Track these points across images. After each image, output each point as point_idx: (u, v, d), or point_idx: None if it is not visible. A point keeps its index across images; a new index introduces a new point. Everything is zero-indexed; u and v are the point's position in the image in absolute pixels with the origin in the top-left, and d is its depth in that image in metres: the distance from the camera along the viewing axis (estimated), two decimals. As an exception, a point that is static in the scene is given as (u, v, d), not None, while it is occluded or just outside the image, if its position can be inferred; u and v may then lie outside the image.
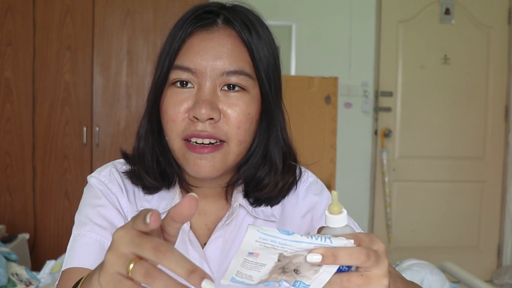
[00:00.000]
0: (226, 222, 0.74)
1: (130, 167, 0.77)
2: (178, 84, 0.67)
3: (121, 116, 2.60)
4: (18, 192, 2.54)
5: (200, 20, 0.68)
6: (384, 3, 3.23)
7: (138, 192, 0.77)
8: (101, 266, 0.46)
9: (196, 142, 0.67)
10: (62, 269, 0.69)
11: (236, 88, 0.68)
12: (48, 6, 2.50)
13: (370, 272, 0.48)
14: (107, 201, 0.74)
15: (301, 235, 0.46)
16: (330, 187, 2.39)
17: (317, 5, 3.23)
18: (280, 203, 0.79)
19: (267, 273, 0.49)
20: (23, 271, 1.89)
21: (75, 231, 0.72)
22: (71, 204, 2.55)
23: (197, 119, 0.65)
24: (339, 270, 0.48)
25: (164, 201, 0.75)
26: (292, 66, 3.21)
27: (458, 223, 3.37)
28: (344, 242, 0.47)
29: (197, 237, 0.74)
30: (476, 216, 3.38)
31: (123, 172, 0.77)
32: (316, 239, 0.47)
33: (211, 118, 0.66)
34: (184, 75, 0.66)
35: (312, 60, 3.21)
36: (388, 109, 3.27)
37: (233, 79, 0.66)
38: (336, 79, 2.48)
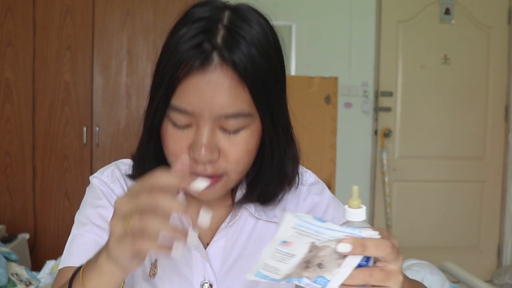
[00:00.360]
0: (229, 224, 0.75)
1: (134, 169, 0.75)
2: (177, 123, 0.65)
3: (121, 116, 2.60)
4: (18, 192, 2.54)
5: (196, 57, 0.61)
6: (384, 3, 3.23)
7: None
8: (107, 241, 0.51)
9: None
10: (59, 268, 0.70)
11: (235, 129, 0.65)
12: (48, 6, 2.49)
13: (389, 267, 0.49)
14: (108, 202, 0.74)
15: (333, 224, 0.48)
16: (330, 187, 2.39)
17: (317, 5, 3.23)
18: (281, 204, 0.79)
19: (294, 266, 0.49)
20: (23, 271, 1.89)
21: (74, 230, 0.72)
22: (71, 204, 2.55)
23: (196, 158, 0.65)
24: (358, 265, 0.49)
25: None
26: (292, 66, 3.21)
27: (458, 223, 3.37)
28: (371, 233, 0.48)
29: (199, 237, 0.74)
30: (476, 216, 3.38)
31: (126, 175, 0.77)
32: (346, 228, 0.48)
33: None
34: (182, 118, 0.63)
35: (312, 60, 3.21)
36: (388, 109, 3.27)
37: (231, 122, 0.63)
38: (336, 79, 2.48)
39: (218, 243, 0.75)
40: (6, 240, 2.21)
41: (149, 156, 0.71)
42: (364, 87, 3.28)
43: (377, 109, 3.27)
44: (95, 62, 2.56)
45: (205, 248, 0.75)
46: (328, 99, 2.39)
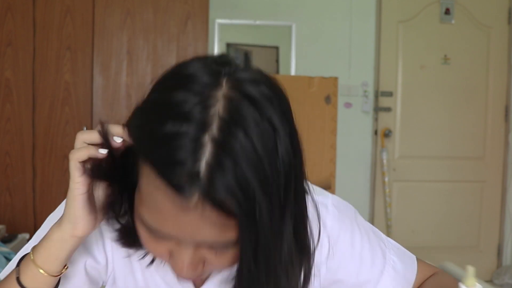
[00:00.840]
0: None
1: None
2: (153, 235, 0.52)
3: (121, 116, 2.60)
4: (18, 192, 2.54)
5: (172, 184, 0.45)
6: (384, 3, 3.23)
7: None
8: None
9: None
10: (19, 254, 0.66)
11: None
12: (48, 6, 2.49)
13: None
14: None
15: None
16: (330, 187, 2.39)
17: (317, 5, 3.23)
18: None
19: None
20: (23, 271, 1.89)
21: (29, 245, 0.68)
22: (71, 204, 2.54)
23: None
24: None
25: None
26: (292, 66, 3.21)
27: (458, 223, 3.36)
28: None
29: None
30: (476, 216, 3.38)
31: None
32: None
33: None
34: (157, 234, 0.51)
35: (312, 60, 3.21)
36: (388, 109, 3.27)
37: (219, 250, 0.52)
38: (336, 79, 2.47)
39: (212, 281, 0.67)
40: (6, 240, 2.21)
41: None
42: (364, 87, 3.28)
43: (377, 109, 3.27)
44: (95, 62, 2.56)
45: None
46: (328, 99, 2.39)
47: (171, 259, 0.53)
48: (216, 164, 0.44)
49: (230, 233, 0.48)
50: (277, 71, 3.24)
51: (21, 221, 2.52)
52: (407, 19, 3.26)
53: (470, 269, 0.53)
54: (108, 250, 0.68)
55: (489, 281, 3.29)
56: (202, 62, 0.51)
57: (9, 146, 2.52)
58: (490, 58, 3.33)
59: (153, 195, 0.48)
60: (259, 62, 3.28)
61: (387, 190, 3.25)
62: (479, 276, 1.84)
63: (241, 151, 0.44)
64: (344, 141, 3.04)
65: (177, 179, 0.44)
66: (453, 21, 3.29)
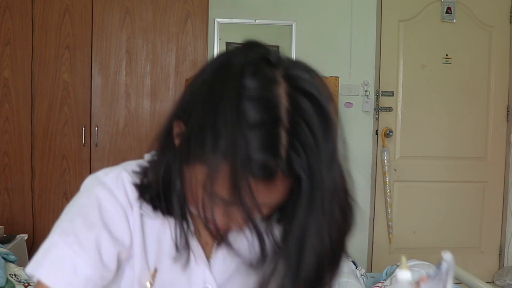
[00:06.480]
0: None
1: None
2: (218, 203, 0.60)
3: (120, 115, 2.58)
4: (16, 192, 2.53)
5: (259, 171, 0.55)
6: (385, 2, 3.21)
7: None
8: None
9: None
10: (34, 274, 0.64)
11: None
12: (46, 5, 2.48)
13: None
14: (102, 225, 0.67)
15: None
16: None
17: (317, 4, 3.21)
18: None
19: None
20: (21, 272, 1.88)
21: (56, 236, 0.66)
22: (70, 205, 2.54)
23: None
24: None
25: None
26: (293, 65, 3.19)
27: (460, 223, 3.35)
28: None
29: (201, 246, 0.72)
30: (478, 216, 3.37)
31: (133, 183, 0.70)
32: None
33: None
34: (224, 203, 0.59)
35: (312, 59, 3.13)
36: (389, 109, 3.26)
37: (266, 211, 0.61)
38: (336, 78, 2.46)
39: (220, 252, 0.73)
40: (4, 241, 2.20)
41: (169, 192, 0.64)
42: (365, 86, 3.26)
43: (378, 108, 3.25)
44: (94, 61, 2.55)
45: (207, 258, 0.72)
46: (328, 99, 2.38)
47: (225, 218, 0.61)
48: (292, 152, 0.56)
49: (283, 196, 0.59)
50: (277, 71, 3.22)
51: (19, 221, 2.51)
52: (408, 18, 3.24)
53: (403, 259, 0.60)
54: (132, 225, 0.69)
55: (491, 282, 3.27)
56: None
57: (7, 146, 2.51)
58: (491, 58, 3.31)
59: (242, 177, 0.55)
60: (259, 61, 3.26)
61: (388, 190, 3.23)
62: (481, 277, 1.81)
63: (309, 141, 0.57)
64: (344, 141, 3.02)
65: (265, 165, 0.55)
66: (454, 20, 3.27)
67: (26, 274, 1.84)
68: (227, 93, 0.56)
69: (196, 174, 0.59)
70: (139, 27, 2.57)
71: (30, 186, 2.53)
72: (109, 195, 0.66)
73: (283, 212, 0.64)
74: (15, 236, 2.31)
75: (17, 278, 1.85)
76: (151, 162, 0.68)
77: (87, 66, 2.55)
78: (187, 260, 0.68)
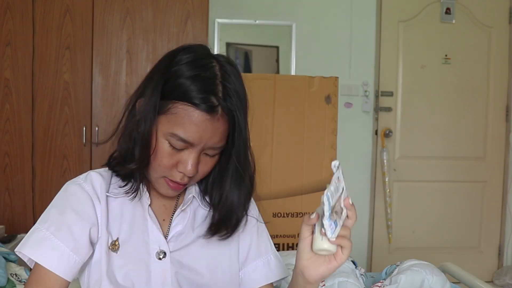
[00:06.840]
0: (183, 209, 0.90)
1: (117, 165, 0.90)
2: (175, 147, 0.81)
3: (120, 115, 2.59)
4: (17, 192, 2.53)
5: (204, 105, 0.78)
6: (384, 3, 3.22)
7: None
8: None
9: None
10: (22, 252, 0.79)
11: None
12: (47, 5, 2.49)
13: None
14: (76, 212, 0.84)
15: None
16: (330, 187, 2.38)
17: (317, 4, 3.22)
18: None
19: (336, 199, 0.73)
20: (22, 272, 1.88)
21: (51, 227, 0.81)
22: (70, 204, 2.54)
23: (181, 172, 0.82)
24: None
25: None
26: (292, 65, 3.20)
27: (459, 223, 3.36)
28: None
29: (155, 215, 0.88)
30: (477, 216, 3.38)
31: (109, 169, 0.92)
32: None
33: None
34: (181, 145, 0.80)
35: (312, 59, 3.20)
36: (388, 109, 3.27)
37: (214, 151, 0.83)
38: (336, 78, 2.46)
39: (174, 229, 0.89)
40: (5, 241, 2.20)
41: (132, 159, 0.84)
42: (364, 87, 3.27)
43: (378, 109, 3.26)
44: (94, 61, 2.55)
45: (160, 224, 0.88)
46: (328, 99, 2.38)
47: (179, 165, 0.81)
48: (226, 94, 0.80)
49: (225, 140, 0.83)
50: (277, 71, 3.23)
51: (20, 221, 2.52)
52: (407, 18, 3.25)
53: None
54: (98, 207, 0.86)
55: (490, 282, 3.28)
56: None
57: (8, 146, 2.51)
58: (490, 58, 3.32)
59: (190, 116, 0.78)
60: (259, 61, 3.27)
61: (387, 191, 3.24)
62: (480, 277, 1.82)
63: (234, 86, 0.81)
64: (344, 141, 3.03)
65: (210, 102, 0.78)
66: (453, 21, 3.28)
67: (27, 273, 1.84)
68: (177, 61, 0.82)
69: (157, 126, 0.80)
70: (140, 27, 2.57)
71: (31, 186, 2.54)
72: (78, 188, 0.85)
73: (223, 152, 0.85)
74: (16, 236, 2.31)
75: (18, 278, 1.86)
76: (119, 137, 0.89)
77: (88, 66, 2.55)
78: (143, 224, 0.86)
